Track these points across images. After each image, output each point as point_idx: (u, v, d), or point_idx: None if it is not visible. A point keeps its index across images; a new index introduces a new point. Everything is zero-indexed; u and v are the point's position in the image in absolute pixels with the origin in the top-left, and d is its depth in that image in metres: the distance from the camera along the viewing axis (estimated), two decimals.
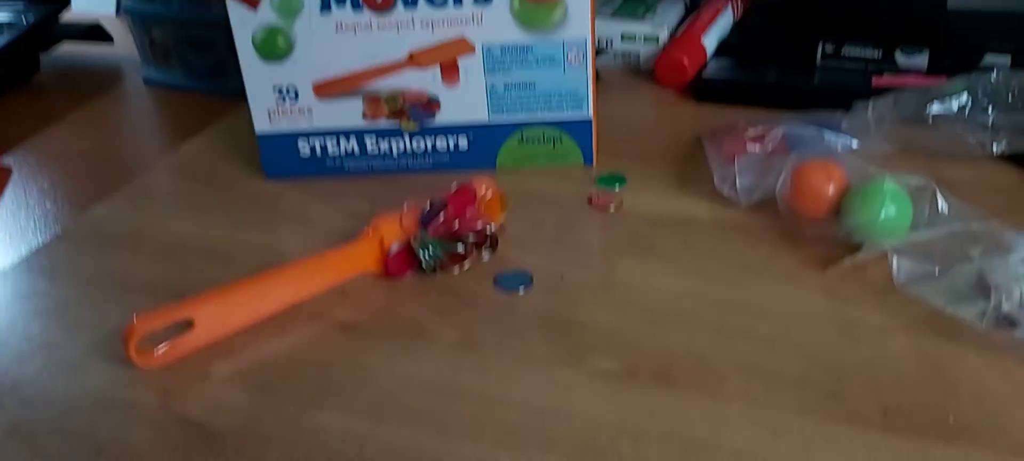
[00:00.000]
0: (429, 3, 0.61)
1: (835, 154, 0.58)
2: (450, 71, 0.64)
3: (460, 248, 0.56)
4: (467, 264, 0.56)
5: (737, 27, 0.83)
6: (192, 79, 0.90)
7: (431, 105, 0.65)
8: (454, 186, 0.58)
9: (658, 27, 0.80)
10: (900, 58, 0.72)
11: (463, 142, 0.67)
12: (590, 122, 0.66)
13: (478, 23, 0.62)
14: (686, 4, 0.85)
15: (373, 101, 0.65)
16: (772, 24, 0.84)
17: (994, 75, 0.61)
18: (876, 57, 0.73)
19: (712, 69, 0.77)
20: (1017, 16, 0.82)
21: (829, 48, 0.74)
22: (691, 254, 0.57)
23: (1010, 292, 0.47)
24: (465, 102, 0.65)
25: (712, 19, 0.80)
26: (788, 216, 0.58)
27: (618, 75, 0.82)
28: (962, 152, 0.62)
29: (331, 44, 0.63)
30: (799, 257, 0.55)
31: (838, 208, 0.56)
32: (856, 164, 0.57)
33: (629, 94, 0.79)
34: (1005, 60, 0.70)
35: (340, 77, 0.64)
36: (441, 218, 0.56)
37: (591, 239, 0.59)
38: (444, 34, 0.62)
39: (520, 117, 0.66)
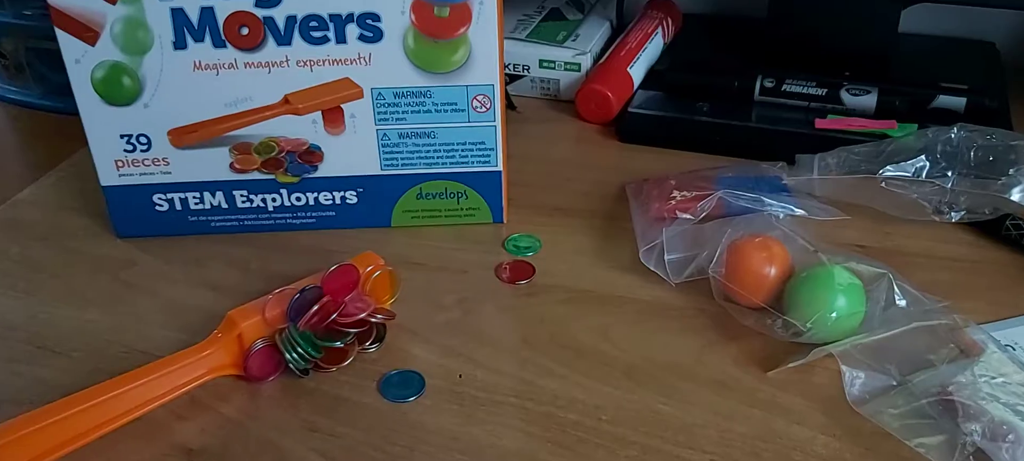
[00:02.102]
0: (306, 40, 0.51)
1: (776, 226, 0.51)
2: (334, 117, 0.54)
3: (339, 344, 0.47)
4: (348, 361, 0.47)
5: (668, 52, 0.75)
6: (49, 97, 0.79)
7: (312, 155, 0.55)
8: (333, 267, 0.48)
9: (580, 53, 0.71)
10: (846, 98, 0.64)
11: (352, 197, 0.57)
12: (499, 175, 0.57)
13: (366, 63, 0.52)
14: (612, 23, 0.77)
15: (243, 150, 0.55)
16: (706, 51, 0.76)
17: (954, 133, 0.54)
18: (820, 95, 0.65)
19: (639, 102, 0.68)
20: (969, 43, 0.76)
21: (768, 83, 0.66)
22: (612, 348, 0.48)
23: (979, 416, 0.40)
24: (353, 152, 0.55)
25: (641, 45, 0.71)
26: (723, 300, 0.50)
27: (536, 105, 0.73)
28: (917, 216, 0.55)
29: (189, 85, 0.52)
30: (735, 353, 0.48)
31: (780, 292, 0.48)
32: (800, 243, 0.49)
33: (548, 129, 0.70)
34: (960, 102, 0.63)
35: (200, 123, 0.54)
36: (314, 309, 0.47)
37: (497, 325, 0.51)
38: (326, 75, 0.53)
39: (418, 169, 0.56)
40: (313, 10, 0.51)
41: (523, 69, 0.72)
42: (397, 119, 0.54)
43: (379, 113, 0.54)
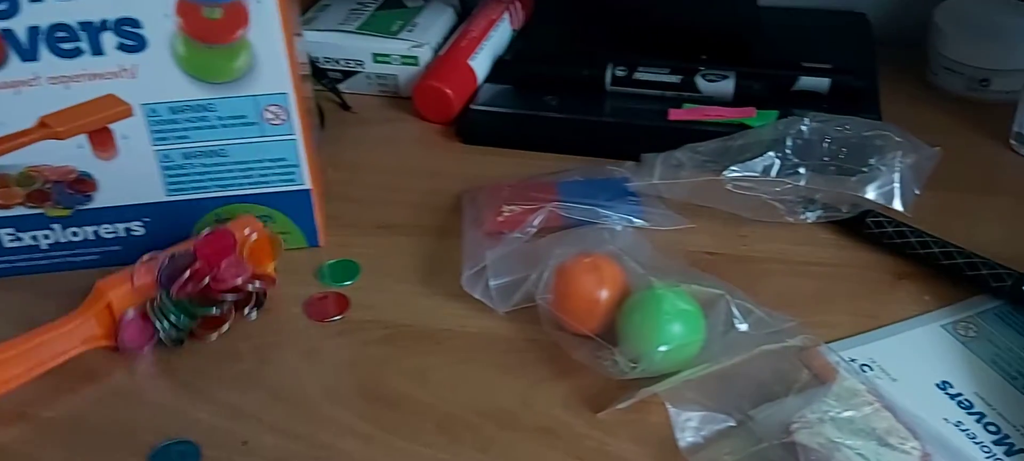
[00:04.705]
0: (56, 53, 0.43)
1: (609, 242, 0.45)
2: (102, 139, 0.46)
3: (215, 311, 0.44)
4: (226, 327, 0.44)
5: (516, 40, 0.69)
6: None
7: (83, 183, 0.48)
8: (206, 231, 0.44)
9: (417, 45, 0.64)
10: (702, 84, 0.59)
11: (138, 228, 0.50)
12: (308, 194, 0.50)
13: (132, 76, 0.45)
14: (457, 10, 0.70)
15: (1, 183, 0.47)
16: (558, 36, 0.70)
17: (805, 125, 0.49)
18: (675, 83, 0.59)
19: (483, 98, 0.62)
20: (838, 15, 0.71)
21: (620, 71, 0.60)
22: (428, 395, 0.42)
23: None
24: (131, 178, 0.48)
25: (484, 33, 0.64)
26: (554, 329, 0.44)
27: (374, 104, 0.66)
28: (771, 218, 0.50)
29: None
30: (565, 392, 0.42)
31: (613, 319, 0.43)
32: (634, 262, 0.43)
33: (385, 132, 0.63)
34: (824, 83, 0.59)
35: None
36: (187, 275, 0.42)
37: (297, 375, 0.44)
38: (86, 93, 0.45)
39: (212, 193, 0.49)
40: (59, 18, 0.43)
41: (356, 64, 0.65)
42: (178, 138, 0.47)
43: (155, 132, 0.47)
